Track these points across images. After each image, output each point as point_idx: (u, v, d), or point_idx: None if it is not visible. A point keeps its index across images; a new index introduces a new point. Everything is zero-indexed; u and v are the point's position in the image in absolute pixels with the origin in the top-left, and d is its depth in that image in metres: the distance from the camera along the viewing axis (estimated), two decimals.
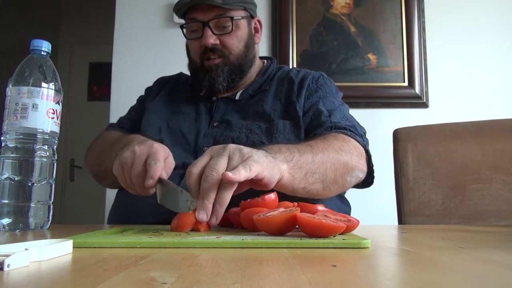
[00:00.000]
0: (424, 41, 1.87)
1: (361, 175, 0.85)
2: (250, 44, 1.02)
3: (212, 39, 0.96)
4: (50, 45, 0.71)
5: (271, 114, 0.94)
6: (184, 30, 1.02)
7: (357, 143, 0.86)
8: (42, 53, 0.70)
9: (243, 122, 0.95)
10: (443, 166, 1.11)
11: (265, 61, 1.11)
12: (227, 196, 0.56)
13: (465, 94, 1.85)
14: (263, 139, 0.90)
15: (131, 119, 1.09)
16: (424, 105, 1.84)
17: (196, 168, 0.58)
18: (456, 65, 1.88)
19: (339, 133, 0.86)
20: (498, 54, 1.88)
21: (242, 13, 1.00)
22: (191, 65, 1.04)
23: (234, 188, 0.57)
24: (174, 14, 1.82)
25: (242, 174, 0.55)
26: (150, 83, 1.19)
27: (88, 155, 1.02)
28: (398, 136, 1.16)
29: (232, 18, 0.96)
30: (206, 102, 1.03)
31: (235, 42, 0.98)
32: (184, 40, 1.03)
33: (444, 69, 1.87)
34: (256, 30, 1.06)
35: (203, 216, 0.55)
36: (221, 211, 0.56)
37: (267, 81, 1.04)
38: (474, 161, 1.09)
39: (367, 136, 0.95)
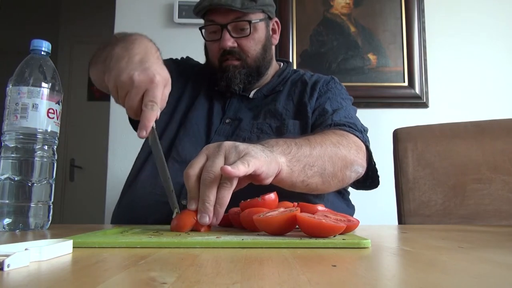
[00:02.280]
0: (424, 41, 1.87)
1: (361, 169, 0.83)
2: (267, 46, 1.03)
3: (230, 42, 0.97)
4: (50, 45, 0.71)
5: (283, 114, 0.96)
6: (203, 31, 1.02)
7: (356, 138, 0.86)
8: (42, 53, 0.70)
9: (254, 122, 0.96)
10: (443, 166, 1.11)
11: (282, 63, 1.13)
12: (227, 195, 0.56)
13: (465, 94, 1.85)
14: (273, 138, 0.90)
15: None
16: (424, 105, 1.84)
17: (193, 169, 0.58)
18: (456, 65, 1.88)
19: (337, 129, 0.86)
20: (498, 54, 1.88)
21: (261, 15, 1.01)
22: (209, 66, 1.06)
23: (234, 186, 0.56)
24: (174, 14, 1.83)
25: (241, 169, 0.54)
26: None
27: (94, 56, 0.95)
28: (398, 136, 1.16)
29: (250, 22, 0.97)
30: (220, 98, 1.03)
31: (253, 45, 0.99)
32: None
33: (444, 69, 1.87)
34: (274, 31, 1.07)
35: (206, 219, 0.55)
36: (222, 211, 0.56)
37: (282, 83, 1.05)
38: (474, 161, 1.09)
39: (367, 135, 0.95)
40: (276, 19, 1.08)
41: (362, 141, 0.87)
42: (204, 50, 1.07)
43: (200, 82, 1.08)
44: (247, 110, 1.00)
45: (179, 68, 1.11)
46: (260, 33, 1.01)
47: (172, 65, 1.10)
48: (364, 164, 0.85)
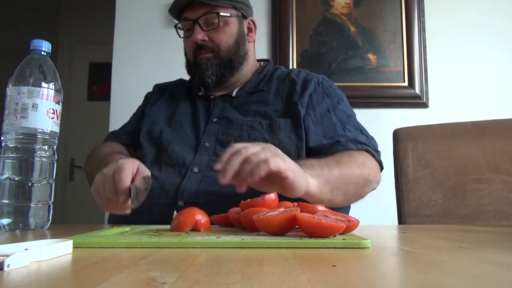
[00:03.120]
0: (424, 41, 1.87)
1: (376, 185, 0.92)
2: (240, 41, 1.04)
3: (200, 35, 0.99)
4: (50, 45, 0.71)
5: (273, 115, 0.97)
6: (180, 31, 1.06)
7: (375, 161, 0.93)
8: (42, 53, 0.70)
9: (244, 119, 0.97)
10: (443, 166, 1.11)
11: (262, 62, 1.14)
12: (260, 171, 0.59)
13: (465, 94, 1.85)
14: (265, 135, 0.92)
15: (130, 131, 1.12)
16: (424, 105, 1.84)
17: (237, 148, 0.62)
18: (456, 65, 1.87)
19: (361, 150, 0.91)
20: (498, 54, 1.88)
21: (232, 11, 1.03)
22: (186, 64, 1.08)
23: (267, 169, 0.60)
24: None
25: (277, 160, 0.61)
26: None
27: (85, 171, 1.05)
28: (398, 136, 1.16)
29: (218, 14, 1.00)
30: (203, 101, 1.06)
31: (224, 38, 1.01)
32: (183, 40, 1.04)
33: (444, 69, 1.87)
34: (250, 30, 1.09)
35: (222, 179, 0.60)
36: (251, 182, 0.60)
37: (264, 80, 1.06)
38: (474, 161, 1.09)
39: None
40: (252, 18, 1.10)
41: (378, 161, 0.94)
42: (184, 50, 1.09)
43: (178, 92, 1.11)
44: (232, 109, 1.01)
45: (152, 98, 1.15)
46: (231, 28, 1.03)
47: (144, 101, 1.17)
48: (380, 180, 0.93)
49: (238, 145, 0.63)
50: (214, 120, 0.99)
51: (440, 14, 1.90)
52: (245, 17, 1.07)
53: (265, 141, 0.90)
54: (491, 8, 1.91)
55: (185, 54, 1.08)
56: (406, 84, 1.84)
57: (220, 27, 1.00)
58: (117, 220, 0.92)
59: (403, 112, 1.84)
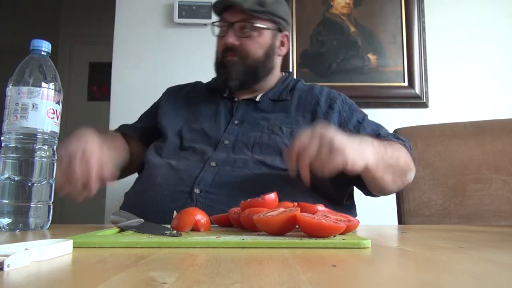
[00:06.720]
0: (424, 41, 1.87)
1: (413, 176, 0.97)
2: (270, 54, 1.06)
3: (232, 39, 1.02)
4: (50, 45, 0.71)
5: (293, 123, 0.99)
6: (216, 29, 1.09)
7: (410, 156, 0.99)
8: (42, 53, 0.70)
9: (265, 123, 0.99)
10: (443, 166, 1.11)
11: (283, 73, 1.17)
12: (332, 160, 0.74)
13: (465, 94, 1.85)
14: (285, 140, 0.94)
15: (141, 127, 1.12)
16: (424, 105, 1.84)
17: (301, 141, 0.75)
18: (456, 65, 1.87)
19: (400, 144, 0.97)
20: (498, 54, 1.88)
21: (269, 24, 1.05)
22: (215, 62, 1.10)
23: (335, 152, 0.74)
24: (174, 14, 1.83)
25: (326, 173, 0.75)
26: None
27: None
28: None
29: (255, 25, 1.02)
30: (227, 102, 1.08)
31: (255, 47, 1.03)
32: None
33: (444, 69, 1.87)
34: (282, 44, 1.11)
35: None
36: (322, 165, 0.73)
37: (287, 90, 1.08)
38: (474, 161, 1.09)
39: None
40: (287, 33, 1.11)
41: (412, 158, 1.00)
42: (215, 49, 1.11)
43: (197, 94, 1.13)
44: (255, 113, 1.03)
45: (168, 98, 1.16)
46: (264, 39, 1.04)
47: (157, 102, 1.18)
48: (415, 173, 0.98)
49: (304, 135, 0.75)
50: (236, 122, 1.01)
51: (440, 14, 1.90)
52: (280, 30, 1.08)
53: (285, 145, 0.93)
54: (491, 8, 1.91)
55: (216, 52, 1.10)
56: (406, 84, 1.84)
57: (253, 36, 1.02)
58: (134, 207, 0.92)
59: (403, 112, 1.84)
